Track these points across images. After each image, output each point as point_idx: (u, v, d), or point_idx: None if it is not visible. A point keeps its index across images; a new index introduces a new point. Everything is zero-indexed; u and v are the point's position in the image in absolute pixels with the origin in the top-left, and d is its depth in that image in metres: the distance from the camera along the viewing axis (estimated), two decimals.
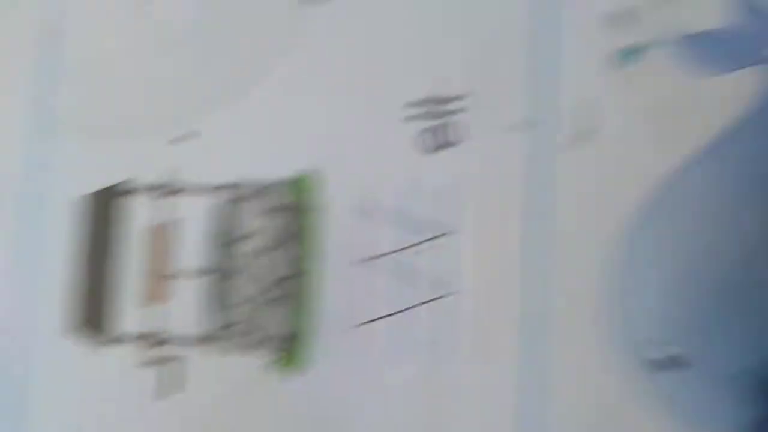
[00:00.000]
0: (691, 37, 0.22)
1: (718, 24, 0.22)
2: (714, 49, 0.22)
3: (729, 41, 0.22)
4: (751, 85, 0.21)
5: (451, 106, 0.22)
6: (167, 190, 0.22)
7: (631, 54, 0.22)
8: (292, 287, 0.22)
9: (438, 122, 0.22)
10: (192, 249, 0.22)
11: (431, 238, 0.21)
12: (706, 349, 0.20)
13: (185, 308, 0.22)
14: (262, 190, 0.22)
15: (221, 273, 0.22)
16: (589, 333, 0.21)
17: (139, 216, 0.22)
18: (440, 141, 0.22)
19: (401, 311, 0.21)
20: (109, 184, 0.22)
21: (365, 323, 0.21)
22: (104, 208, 0.22)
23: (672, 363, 0.20)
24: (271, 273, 0.22)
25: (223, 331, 0.22)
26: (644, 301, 0.21)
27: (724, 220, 0.21)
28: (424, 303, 0.21)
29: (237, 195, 0.22)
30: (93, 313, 0.22)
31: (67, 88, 0.23)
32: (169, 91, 0.23)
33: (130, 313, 0.22)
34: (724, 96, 0.21)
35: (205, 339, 0.22)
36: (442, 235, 0.21)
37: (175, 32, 0.23)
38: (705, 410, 0.20)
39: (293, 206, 0.22)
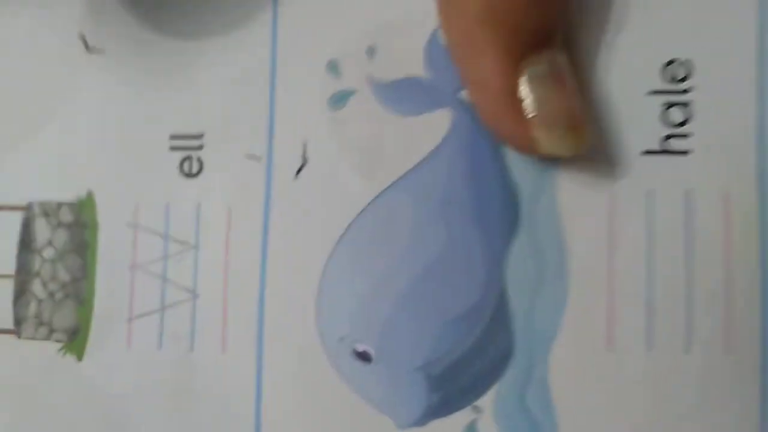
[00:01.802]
0: (388, 84, 0.25)
1: (414, 74, 0.25)
2: (409, 94, 0.25)
3: (422, 87, 0.25)
4: (443, 124, 0.25)
5: (197, 142, 0.26)
6: None
7: (339, 99, 0.26)
8: (75, 289, 0.27)
9: (189, 154, 0.27)
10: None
11: (180, 252, 0.26)
12: (389, 348, 0.25)
13: None
14: (52, 209, 0.27)
15: (21, 276, 0.27)
16: (302, 328, 0.25)
17: None
18: (190, 170, 0.26)
19: (160, 310, 0.26)
20: None
21: (133, 318, 0.27)
22: None
23: (362, 357, 0.25)
24: (59, 277, 0.27)
25: (22, 323, 0.27)
26: (344, 304, 0.25)
27: (410, 240, 0.25)
28: (176, 303, 0.26)
29: (33, 213, 0.27)
30: None
31: None
32: None
33: None
34: (419, 133, 0.25)
35: (8, 330, 0.27)
36: (189, 249, 0.26)
37: None
38: (388, 398, 0.25)
39: (76, 223, 0.27)
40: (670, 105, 0.24)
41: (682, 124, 0.24)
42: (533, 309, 0.24)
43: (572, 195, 0.24)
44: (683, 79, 0.24)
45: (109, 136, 0.27)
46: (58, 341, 0.27)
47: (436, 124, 0.25)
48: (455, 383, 0.24)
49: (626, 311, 0.24)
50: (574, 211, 0.24)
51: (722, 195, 0.23)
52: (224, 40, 0.27)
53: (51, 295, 0.27)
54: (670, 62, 0.24)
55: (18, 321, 0.27)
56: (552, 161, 0.24)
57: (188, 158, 0.27)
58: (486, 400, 0.24)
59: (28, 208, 0.28)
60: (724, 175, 0.23)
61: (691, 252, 0.23)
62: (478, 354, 0.24)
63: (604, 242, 0.24)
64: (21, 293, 0.27)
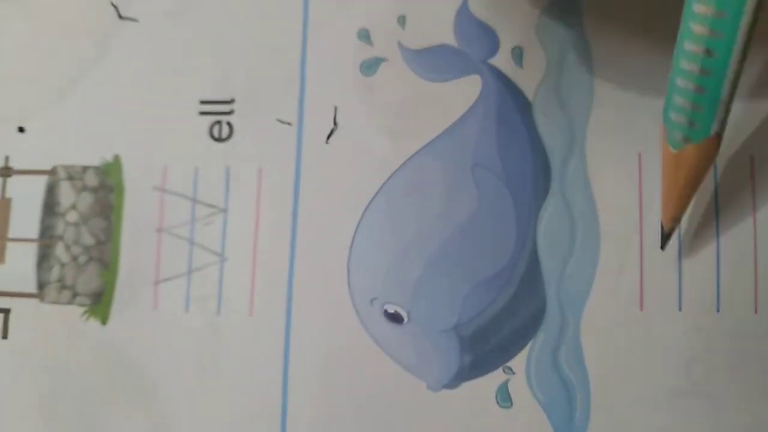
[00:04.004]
0: (419, 52, 0.26)
1: (444, 42, 0.26)
2: (439, 61, 0.26)
3: (452, 55, 0.26)
4: (473, 90, 0.25)
5: (227, 107, 0.26)
6: (3, 172, 0.27)
7: (370, 65, 0.26)
8: (99, 252, 0.27)
9: (218, 118, 0.27)
10: (23, 221, 0.27)
11: (208, 215, 0.26)
12: (420, 310, 0.25)
13: (17, 268, 0.27)
14: (77, 173, 0.27)
15: (45, 240, 0.27)
16: (333, 290, 0.25)
17: None
18: (219, 134, 0.26)
19: (186, 273, 0.26)
20: None
21: (159, 282, 0.26)
22: None
23: (393, 318, 0.25)
24: (82, 240, 0.27)
25: (45, 287, 0.27)
26: (375, 266, 0.25)
27: (441, 202, 0.25)
28: (204, 266, 0.26)
29: (57, 177, 0.27)
30: None
31: None
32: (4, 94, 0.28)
33: None
34: (448, 99, 0.25)
35: (31, 294, 0.27)
36: (217, 212, 0.26)
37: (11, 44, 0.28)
38: (420, 360, 0.25)
39: (102, 186, 0.27)
40: None
41: None
42: (565, 270, 0.24)
43: (602, 158, 0.25)
44: None
45: (138, 100, 0.27)
46: (81, 305, 0.26)
47: (465, 90, 0.26)
48: (487, 344, 0.24)
49: (657, 272, 0.24)
50: (603, 173, 0.24)
51: (748, 158, 0.24)
52: (256, 8, 0.27)
53: (74, 258, 0.27)
54: None
55: (41, 285, 0.27)
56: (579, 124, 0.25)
57: (218, 123, 0.27)
58: (518, 361, 0.24)
59: (53, 172, 0.27)
60: (745, 140, 0.24)
61: (719, 213, 0.24)
62: (509, 315, 0.24)
63: (634, 204, 0.24)
64: (44, 257, 0.27)
